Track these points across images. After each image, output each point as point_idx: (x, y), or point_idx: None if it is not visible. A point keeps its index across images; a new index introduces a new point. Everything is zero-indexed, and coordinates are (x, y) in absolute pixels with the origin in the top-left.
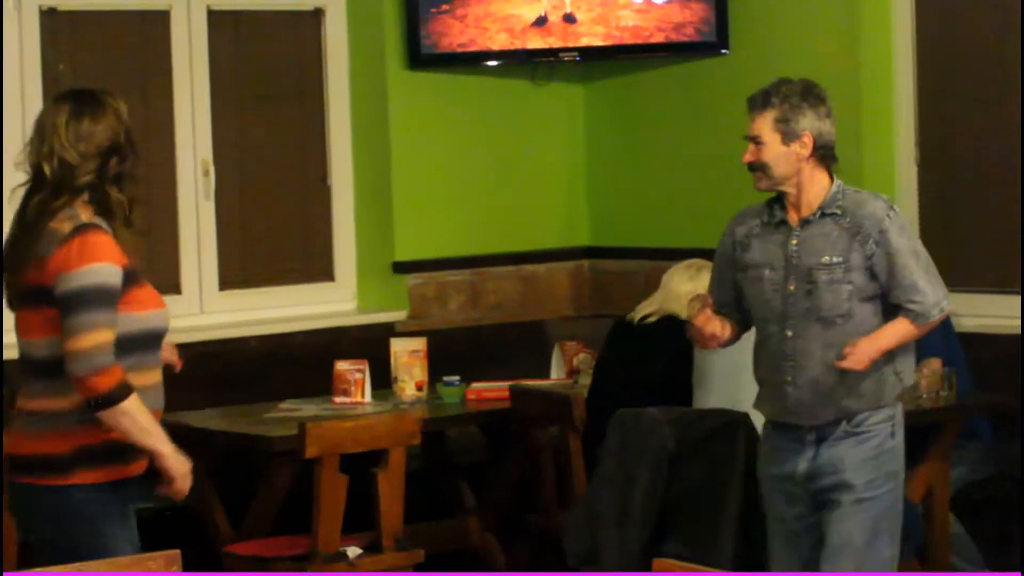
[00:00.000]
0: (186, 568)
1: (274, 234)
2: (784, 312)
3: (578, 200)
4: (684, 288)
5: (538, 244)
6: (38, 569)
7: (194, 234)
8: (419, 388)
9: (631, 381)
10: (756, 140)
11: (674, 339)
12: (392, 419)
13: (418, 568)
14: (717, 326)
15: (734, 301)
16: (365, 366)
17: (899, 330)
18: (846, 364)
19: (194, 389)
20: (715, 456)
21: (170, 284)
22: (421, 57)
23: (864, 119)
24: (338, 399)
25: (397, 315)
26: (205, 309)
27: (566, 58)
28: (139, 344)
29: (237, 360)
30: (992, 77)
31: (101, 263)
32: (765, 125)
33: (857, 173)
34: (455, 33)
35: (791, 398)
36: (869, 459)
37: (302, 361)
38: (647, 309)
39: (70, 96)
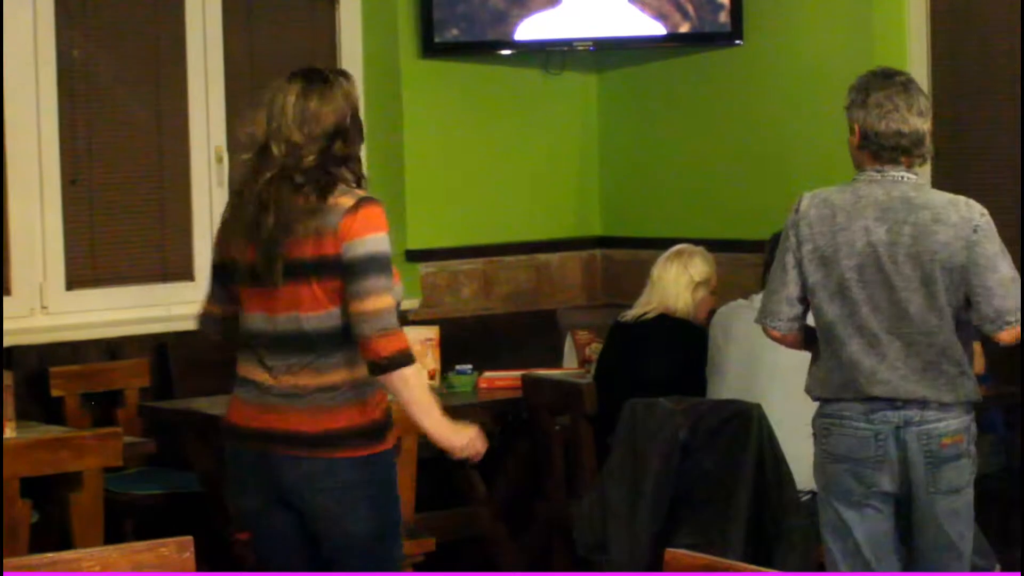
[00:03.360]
0: (198, 554)
1: None
2: None
3: (591, 190)
4: (682, 281)
5: (550, 233)
6: (44, 555)
7: (207, 221)
8: (431, 377)
9: (635, 382)
10: None
11: (674, 337)
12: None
13: (429, 556)
14: None
15: None
16: None
17: None
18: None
19: (205, 376)
20: (727, 446)
21: (182, 270)
22: (434, 46)
23: None
24: None
25: (409, 303)
26: None
27: (580, 47)
28: None
29: None
30: (1006, 70)
31: (382, 233)
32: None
33: None
34: (468, 21)
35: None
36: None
37: None
38: (643, 308)
39: (300, 75)
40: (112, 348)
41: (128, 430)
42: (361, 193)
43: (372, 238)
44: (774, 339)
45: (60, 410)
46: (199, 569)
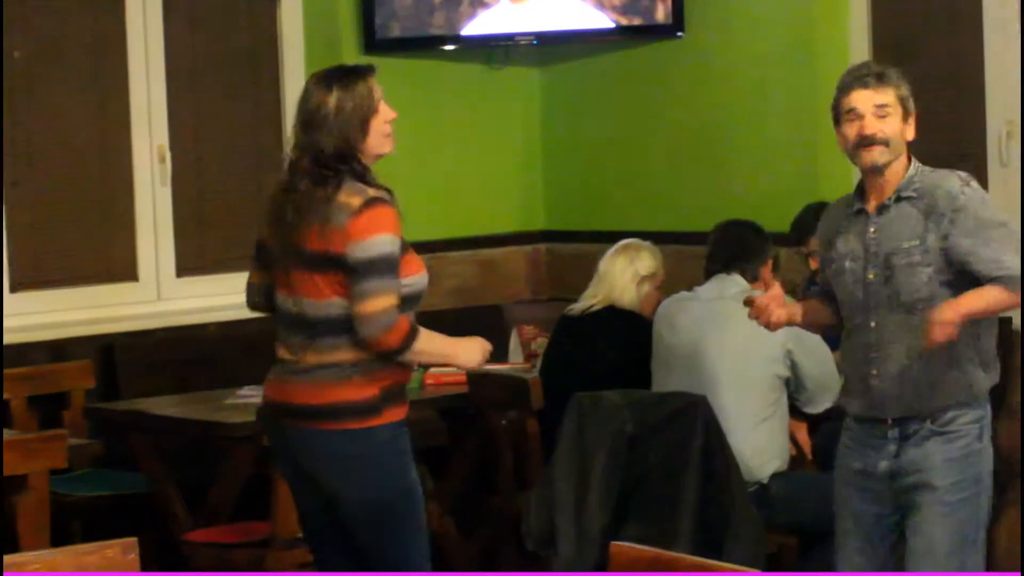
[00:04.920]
0: (143, 556)
1: (231, 220)
2: (866, 302)
3: (535, 184)
4: (627, 274)
5: (495, 228)
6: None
7: (151, 220)
8: None
9: (580, 375)
10: (882, 111)
11: (620, 328)
12: None
13: None
14: (780, 311)
15: (826, 293)
16: None
17: (987, 294)
18: (933, 337)
19: (152, 376)
20: (674, 439)
21: (127, 271)
22: (377, 42)
23: (820, 101)
24: None
25: None
26: (163, 296)
27: (522, 42)
28: (403, 304)
29: (195, 347)
30: (946, 55)
31: (386, 234)
32: (890, 97)
33: (813, 157)
34: (411, 17)
35: (875, 391)
36: (955, 460)
37: (260, 347)
38: (589, 301)
39: (316, 77)
40: (57, 350)
41: (74, 432)
42: (372, 193)
43: (374, 240)
44: None
45: (6, 413)
46: (145, 570)
